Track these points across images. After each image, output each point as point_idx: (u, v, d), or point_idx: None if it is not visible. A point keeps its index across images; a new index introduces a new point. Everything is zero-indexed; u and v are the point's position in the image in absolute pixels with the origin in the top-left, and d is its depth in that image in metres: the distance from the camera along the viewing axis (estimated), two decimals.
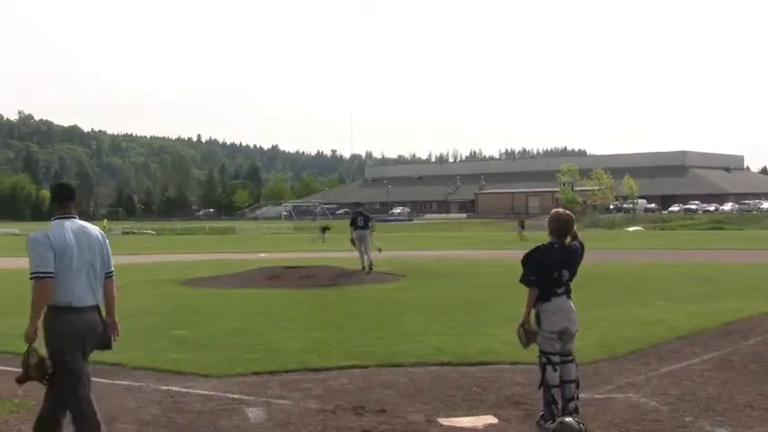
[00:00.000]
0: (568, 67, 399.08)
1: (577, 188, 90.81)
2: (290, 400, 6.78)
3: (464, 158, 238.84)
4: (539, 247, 6.05)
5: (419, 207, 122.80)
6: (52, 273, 4.85)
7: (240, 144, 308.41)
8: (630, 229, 67.07)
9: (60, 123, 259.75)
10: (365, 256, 20.55)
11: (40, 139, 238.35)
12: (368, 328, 10.73)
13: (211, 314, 12.69)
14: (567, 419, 5.63)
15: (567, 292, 6.01)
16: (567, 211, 6.23)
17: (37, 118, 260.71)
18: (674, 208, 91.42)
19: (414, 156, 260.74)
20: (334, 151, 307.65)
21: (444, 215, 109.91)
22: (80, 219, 5.24)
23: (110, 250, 5.26)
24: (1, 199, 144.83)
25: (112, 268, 5.25)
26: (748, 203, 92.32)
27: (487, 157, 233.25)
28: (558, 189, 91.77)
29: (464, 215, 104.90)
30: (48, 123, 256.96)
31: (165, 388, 7.28)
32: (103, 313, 5.21)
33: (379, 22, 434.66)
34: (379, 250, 22.02)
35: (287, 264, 21.39)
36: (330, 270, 19.52)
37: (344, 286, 17.12)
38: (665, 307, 12.78)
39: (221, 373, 7.85)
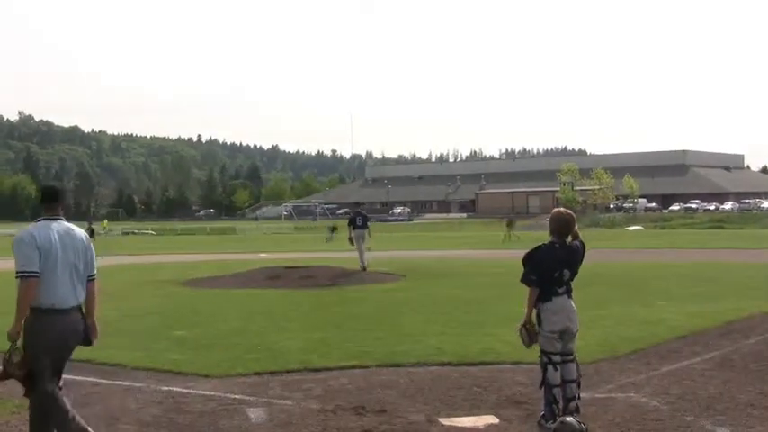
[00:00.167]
0: (568, 67, 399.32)
1: (578, 188, 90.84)
2: (291, 400, 6.78)
3: (464, 158, 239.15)
4: (539, 246, 6.05)
5: (419, 207, 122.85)
6: (37, 272, 4.90)
7: (240, 144, 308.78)
8: (631, 228, 67.07)
9: (60, 124, 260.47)
10: (364, 256, 20.82)
11: (41, 139, 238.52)
12: (368, 328, 10.73)
13: (212, 314, 12.69)
14: (568, 419, 5.63)
15: (568, 292, 6.00)
16: (569, 211, 6.22)
17: (37, 119, 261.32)
18: (675, 207, 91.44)
19: (414, 156, 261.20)
20: (334, 151, 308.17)
21: (445, 215, 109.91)
22: (67, 221, 5.29)
23: (94, 253, 5.32)
24: (1, 200, 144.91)
25: (95, 271, 5.31)
26: (749, 203, 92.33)
27: (488, 156, 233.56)
28: (558, 189, 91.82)
29: (464, 215, 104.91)
30: (48, 124, 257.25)
31: (166, 388, 7.28)
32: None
33: (379, 22, 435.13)
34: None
35: (287, 264, 21.40)
36: (330, 270, 19.52)
37: (345, 286, 17.11)
38: (666, 306, 12.78)
39: (222, 374, 7.84)
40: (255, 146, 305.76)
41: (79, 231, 5.26)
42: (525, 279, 5.98)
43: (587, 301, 10.71)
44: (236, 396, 6.92)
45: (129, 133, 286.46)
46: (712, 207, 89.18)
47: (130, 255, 34.70)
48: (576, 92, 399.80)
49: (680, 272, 20.13)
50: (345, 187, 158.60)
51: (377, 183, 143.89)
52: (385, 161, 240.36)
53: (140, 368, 8.20)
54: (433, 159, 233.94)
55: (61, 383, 5.22)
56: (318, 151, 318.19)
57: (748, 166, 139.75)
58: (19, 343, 4.91)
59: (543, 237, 6.48)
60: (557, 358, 5.90)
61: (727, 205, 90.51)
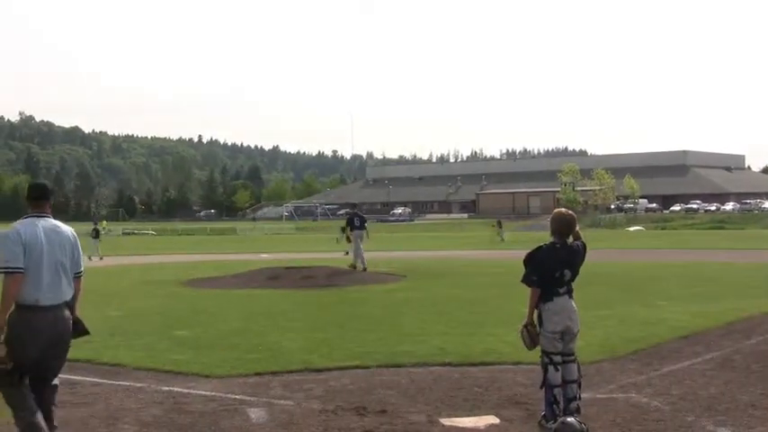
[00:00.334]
0: (569, 67, 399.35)
1: (578, 188, 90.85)
2: (292, 400, 6.78)
3: (465, 159, 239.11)
4: (540, 246, 6.04)
5: (420, 207, 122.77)
6: (22, 268, 4.92)
7: (241, 145, 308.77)
8: (632, 228, 67.10)
9: (61, 124, 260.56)
10: (362, 256, 21.22)
11: (42, 140, 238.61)
12: (369, 329, 10.74)
13: (213, 315, 12.69)
14: (569, 419, 5.62)
15: (569, 292, 5.99)
16: (570, 211, 6.22)
17: (38, 119, 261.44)
18: (676, 208, 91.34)
19: (415, 156, 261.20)
20: (335, 152, 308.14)
21: (445, 215, 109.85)
22: (55, 218, 5.31)
23: (81, 251, 5.34)
24: (2, 200, 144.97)
25: (81, 269, 5.32)
26: (749, 203, 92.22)
27: (488, 157, 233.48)
28: (559, 189, 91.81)
29: (465, 215, 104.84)
30: (49, 124, 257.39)
31: (167, 389, 7.28)
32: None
33: (379, 22, 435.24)
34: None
35: (288, 264, 21.42)
36: (331, 270, 19.53)
37: (345, 287, 17.12)
38: (667, 306, 12.79)
39: (223, 374, 7.85)
40: (256, 146, 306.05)
41: (66, 229, 5.27)
42: (526, 279, 5.97)
43: (588, 302, 10.71)
44: (237, 396, 6.92)
45: (130, 134, 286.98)
46: (713, 207, 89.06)
47: (131, 255, 34.72)
48: (576, 92, 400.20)
49: (680, 272, 20.14)
50: (346, 188, 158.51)
51: (378, 183, 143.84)
52: (386, 161, 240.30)
53: (141, 368, 8.21)
54: (434, 160, 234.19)
55: (56, 381, 5.23)
56: (319, 152, 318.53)
57: (749, 167, 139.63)
58: (2, 337, 4.92)
59: (544, 237, 6.48)
60: (557, 358, 5.89)
61: (729, 206, 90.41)
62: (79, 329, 5.26)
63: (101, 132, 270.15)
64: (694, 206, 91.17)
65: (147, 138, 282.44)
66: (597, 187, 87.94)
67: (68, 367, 7.95)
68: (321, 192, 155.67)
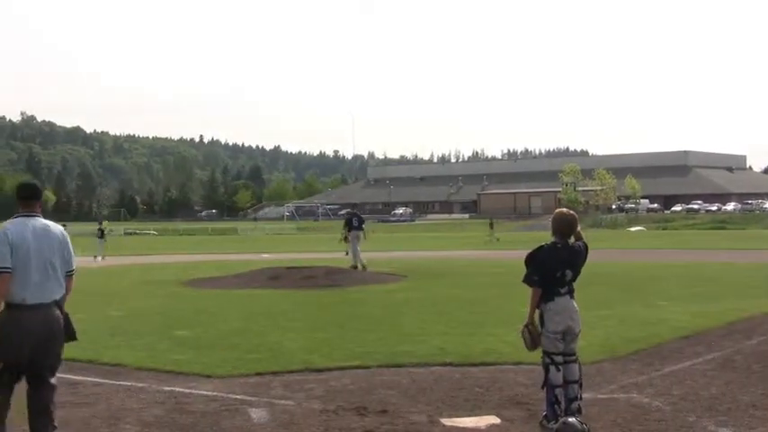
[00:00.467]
0: (570, 67, 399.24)
1: (580, 188, 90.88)
2: (293, 400, 6.78)
3: (466, 159, 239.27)
4: (542, 246, 6.04)
5: (422, 207, 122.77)
6: (9, 268, 4.94)
7: (242, 145, 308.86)
8: (633, 229, 67.11)
9: (63, 125, 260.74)
10: (360, 256, 21.43)
11: (43, 140, 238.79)
12: (370, 329, 10.74)
13: (214, 315, 12.70)
14: (570, 420, 5.62)
15: (571, 292, 5.99)
16: (571, 212, 6.21)
17: (39, 119, 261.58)
18: (677, 208, 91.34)
19: (416, 156, 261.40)
20: (336, 152, 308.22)
21: (447, 215, 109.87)
22: (45, 218, 5.31)
23: (72, 250, 5.35)
24: (4, 200, 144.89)
25: (73, 267, 5.33)
26: (751, 203, 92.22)
27: (490, 157, 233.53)
28: (560, 189, 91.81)
29: (466, 215, 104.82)
30: (50, 125, 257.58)
31: (168, 389, 7.28)
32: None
33: (379, 22, 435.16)
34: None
35: (289, 264, 21.43)
36: (331, 270, 19.54)
37: (346, 287, 17.12)
38: (668, 307, 12.78)
39: (224, 374, 7.85)
40: (257, 146, 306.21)
41: (56, 228, 5.29)
42: (527, 279, 5.97)
43: (589, 302, 10.70)
44: (238, 396, 6.92)
45: (132, 134, 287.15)
46: (714, 208, 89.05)
47: (132, 255, 34.73)
48: (578, 92, 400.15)
49: (681, 272, 20.14)
50: (347, 188, 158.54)
51: (379, 183, 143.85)
52: (387, 162, 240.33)
53: (142, 368, 8.21)
54: (435, 160, 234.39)
55: (54, 380, 5.22)
56: (320, 152, 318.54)
57: (750, 167, 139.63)
58: None
59: (544, 237, 6.47)
60: (559, 359, 5.89)
61: (730, 206, 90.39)
62: (69, 332, 5.25)
63: (102, 132, 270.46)
64: (695, 206, 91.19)
65: (148, 138, 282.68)
66: (598, 187, 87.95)
67: (69, 367, 8.00)
68: (322, 192, 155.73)
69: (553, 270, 5.90)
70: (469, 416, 6.22)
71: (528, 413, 6.26)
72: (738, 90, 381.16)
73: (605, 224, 74.55)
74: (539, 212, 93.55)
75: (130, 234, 76.96)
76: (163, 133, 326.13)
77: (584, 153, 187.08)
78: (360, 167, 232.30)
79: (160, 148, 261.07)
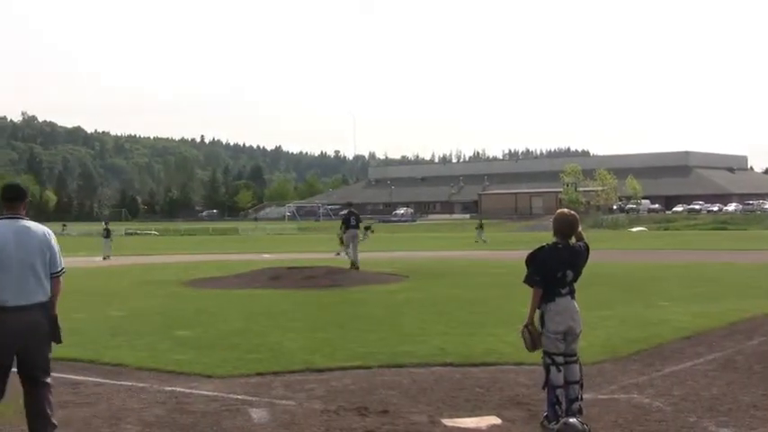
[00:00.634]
0: (571, 67, 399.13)
1: (581, 189, 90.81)
2: (294, 400, 6.78)
3: (467, 159, 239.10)
4: (543, 246, 6.03)
5: (423, 208, 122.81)
6: None
7: (243, 145, 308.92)
8: (634, 229, 67.11)
9: (64, 125, 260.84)
10: (356, 255, 21.63)
11: (44, 140, 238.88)
12: (371, 329, 10.74)
13: (214, 315, 12.70)
14: (571, 420, 5.62)
15: (572, 293, 5.99)
16: (572, 212, 6.20)
17: (40, 119, 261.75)
18: (678, 208, 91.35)
19: (417, 156, 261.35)
20: (337, 152, 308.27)
21: (448, 216, 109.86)
22: (30, 219, 5.30)
23: (56, 250, 5.29)
24: None
25: (59, 268, 5.28)
26: (752, 204, 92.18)
27: (491, 157, 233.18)
28: (561, 190, 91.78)
29: (467, 216, 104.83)
30: (51, 125, 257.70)
31: (169, 389, 7.28)
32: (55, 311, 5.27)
33: (379, 22, 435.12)
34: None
35: (290, 264, 21.44)
36: (332, 271, 19.54)
37: (347, 287, 17.11)
38: (669, 307, 12.77)
39: (225, 374, 7.85)
40: (258, 146, 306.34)
41: (40, 229, 5.23)
42: (528, 280, 5.97)
43: (590, 302, 10.70)
44: (239, 396, 6.92)
45: (133, 134, 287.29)
46: (715, 208, 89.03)
47: (133, 255, 34.74)
48: (578, 93, 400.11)
49: (682, 272, 20.13)
50: (348, 188, 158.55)
51: (380, 183, 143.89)
52: (388, 162, 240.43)
53: (143, 368, 8.21)
54: (436, 160, 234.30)
55: (49, 380, 5.22)
56: (321, 152, 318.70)
57: (752, 167, 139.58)
58: None
59: (545, 237, 6.47)
60: (560, 359, 5.88)
61: (731, 206, 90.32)
62: (54, 336, 5.22)
63: (103, 132, 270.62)
64: (697, 207, 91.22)
65: (149, 138, 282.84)
66: (599, 188, 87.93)
67: (70, 367, 8.03)
68: (323, 192, 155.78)
69: (554, 270, 5.89)
70: (470, 416, 6.22)
71: (529, 414, 6.26)
72: (739, 90, 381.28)
73: (606, 225, 74.54)
74: (540, 213, 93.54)
75: (131, 234, 76.93)
76: (164, 133, 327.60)
77: (585, 153, 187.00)
78: (361, 168, 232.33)
79: (161, 149, 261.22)
